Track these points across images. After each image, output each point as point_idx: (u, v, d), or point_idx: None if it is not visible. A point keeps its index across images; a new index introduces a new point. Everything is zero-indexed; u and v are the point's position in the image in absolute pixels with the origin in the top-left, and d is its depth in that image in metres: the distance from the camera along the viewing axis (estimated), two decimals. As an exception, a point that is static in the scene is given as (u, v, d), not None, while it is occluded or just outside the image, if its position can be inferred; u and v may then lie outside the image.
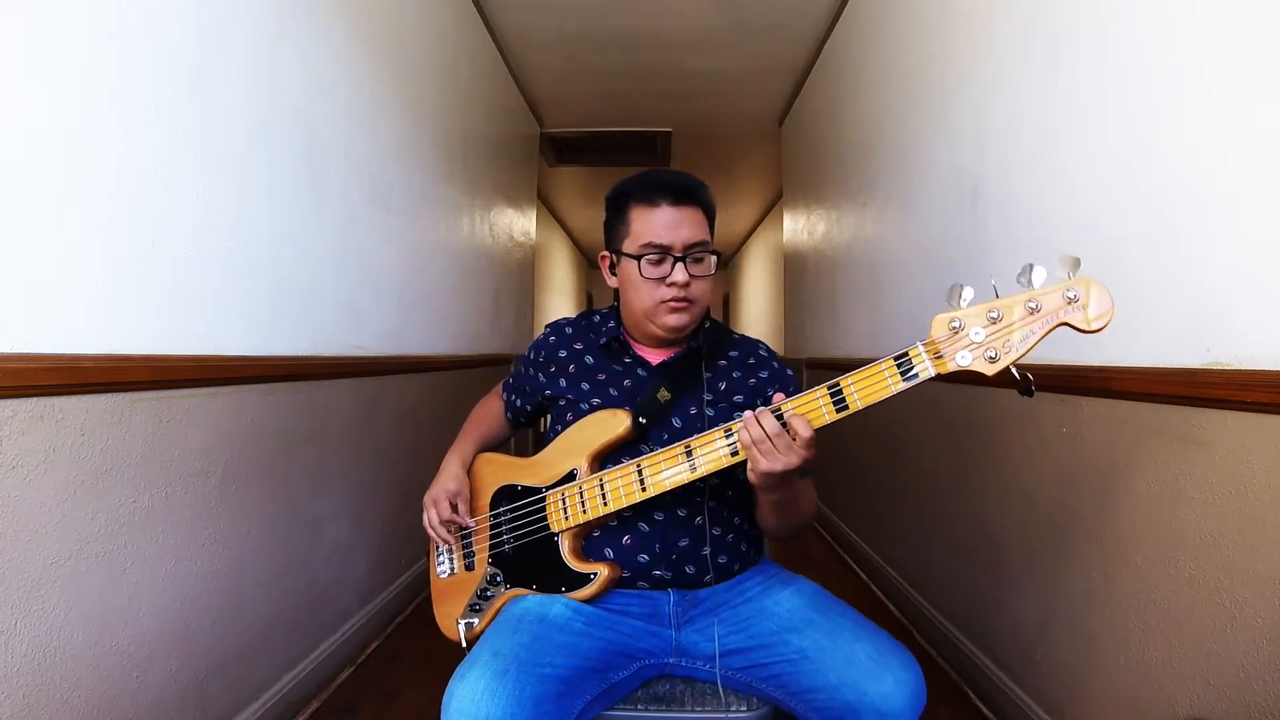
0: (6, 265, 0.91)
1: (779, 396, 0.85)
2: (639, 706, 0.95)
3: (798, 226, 4.06)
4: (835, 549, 3.00)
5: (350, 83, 1.83)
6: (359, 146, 1.89)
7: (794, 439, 0.82)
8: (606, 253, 1.06)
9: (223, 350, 1.33)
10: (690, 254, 0.98)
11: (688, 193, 0.99)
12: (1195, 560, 1.02)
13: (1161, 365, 1.08)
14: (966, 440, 1.78)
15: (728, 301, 10.09)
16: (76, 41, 1.01)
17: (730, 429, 0.87)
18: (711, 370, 1.04)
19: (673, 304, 0.99)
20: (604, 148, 4.74)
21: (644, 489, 0.92)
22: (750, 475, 0.85)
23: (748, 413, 0.84)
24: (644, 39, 3.24)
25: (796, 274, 4.12)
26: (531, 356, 1.13)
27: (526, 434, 3.85)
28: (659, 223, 0.97)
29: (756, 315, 7.54)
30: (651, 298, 0.99)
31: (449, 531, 1.07)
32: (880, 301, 2.47)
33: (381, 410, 2.04)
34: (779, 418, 0.83)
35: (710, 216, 1.03)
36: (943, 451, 1.94)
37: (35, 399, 0.94)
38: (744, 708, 0.94)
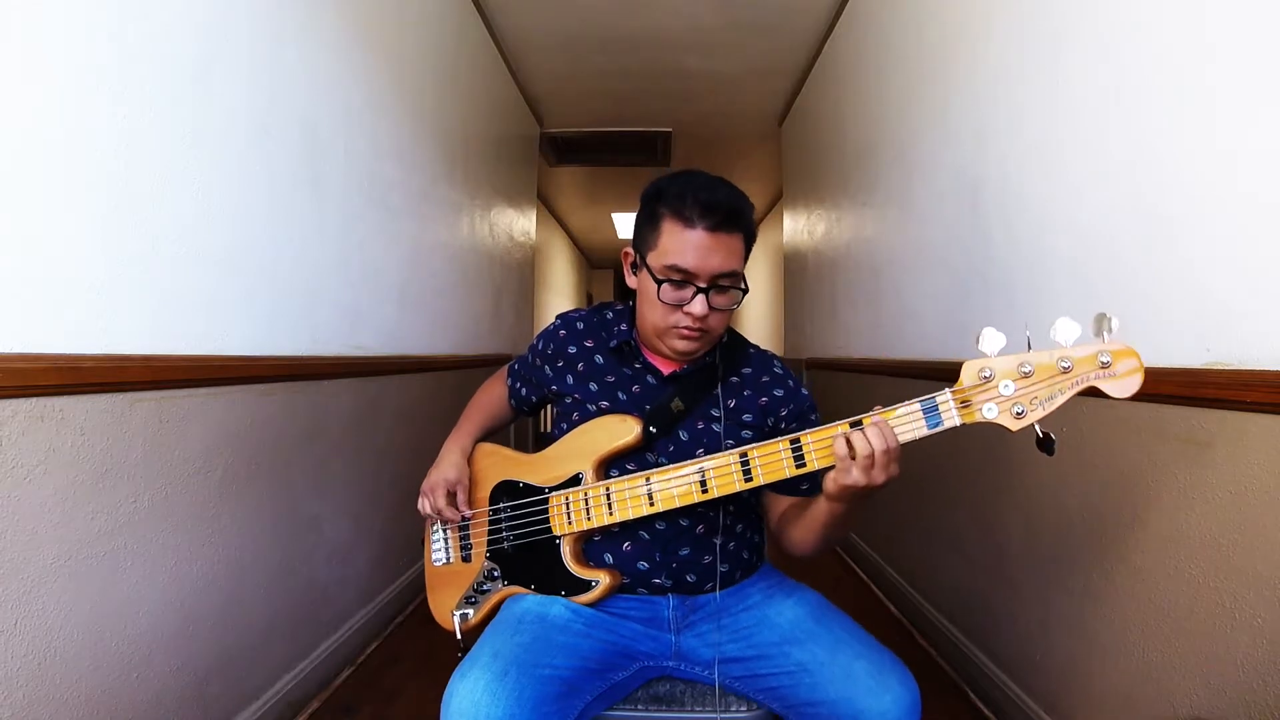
0: (7, 265, 0.91)
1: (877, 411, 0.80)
2: (639, 707, 0.95)
3: (798, 226, 4.06)
4: (836, 549, 3.00)
5: (350, 83, 1.83)
6: (359, 146, 1.89)
7: (886, 457, 0.78)
8: (630, 250, 1.00)
9: (223, 350, 1.33)
10: (716, 285, 0.92)
11: (730, 218, 0.90)
12: (1195, 560, 1.02)
13: (1161, 365, 1.08)
14: (967, 440, 1.78)
15: (728, 301, 10.04)
16: (77, 41, 1.01)
17: (745, 453, 0.86)
18: (724, 386, 1.01)
19: (684, 331, 0.94)
20: (604, 148, 4.74)
21: (651, 504, 0.91)
22: (829, 484, 0.81)
23: (870, 427, 0.78)
24: (644, 39, 3.24)
25: (796, 274, 4.11)
26: (540, 347, 1.10)
27: (526, 426, 3.86)
28: (689, 246, 0.90)
29: (756, 315, 7.54)
30: (665, 320, 0.95)
31: (444, 520, 1.06)
32: (880, 302, 2.47)
33: (381, 410, 2.04)
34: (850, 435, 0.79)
35: (749, 241, 0.96)
36: (943, 452, 1.94)
37: (35, 399, 0.94)
38: (743, 708, 0.94)
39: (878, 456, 0.77)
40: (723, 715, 0.94)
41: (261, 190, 1.45)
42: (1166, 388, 1.06)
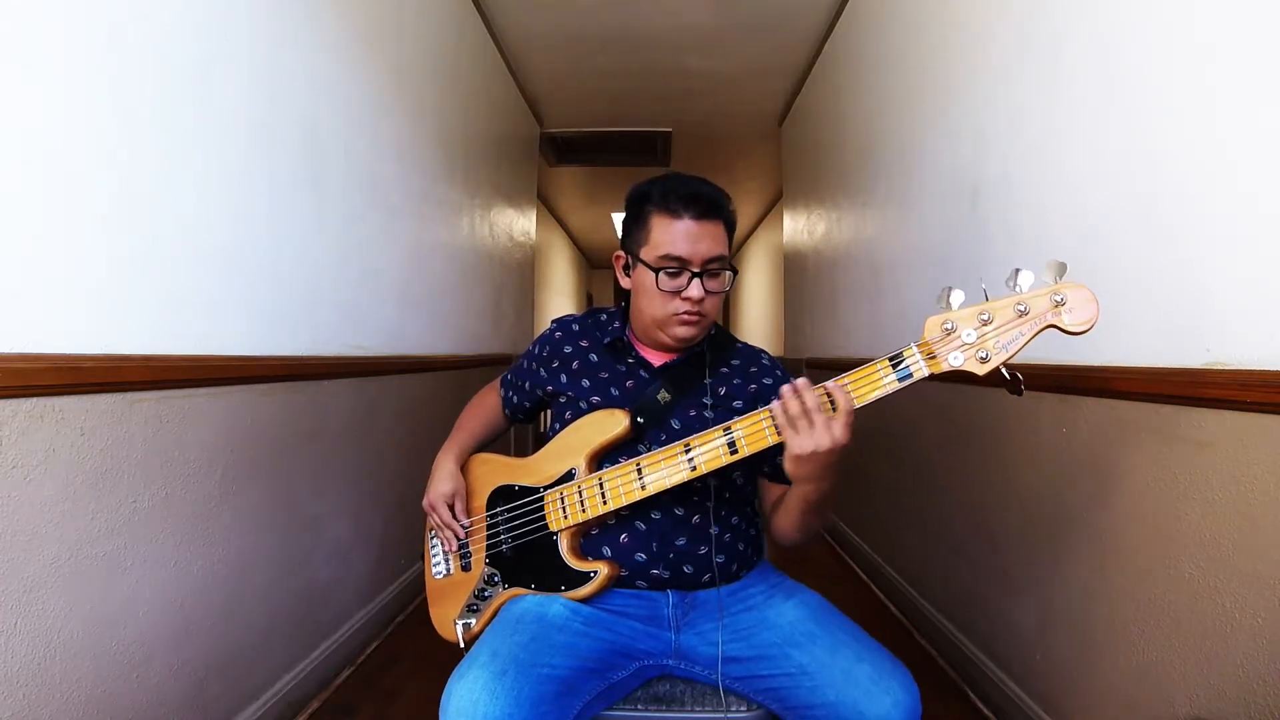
0: (6, 265, 0.91)
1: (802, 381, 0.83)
2: (639, 706, 0.95)
3: (798, 226, 4.06)
4: (835, 549, 3.00)
5: (350, 83, 1.83)
6: (359, 146, 1.89)
7: (826, 417, 0.80)
8: (622, 253, 1.05)
9: (223, 350, 1.33)
10: (707, 269, 0.97)
11: (712, 207, 0.97)
12: (1195, 560, 1.02)
13: (1161, 365, 1.08)
14: (967, 440, 1.78)
15: (728, 301, 10.07)
16: (77, 41, 1.01)
17: (730, 427, 0.88)
18: (713, 376, 1.05)
19: (684, 316, 0.99)
20: (604, 148, 4.74)
21: (643, 488, 0.92)
22: (787, 463, 0.84)
23: (785, 386, 0.82)
24: (644, 39, 3.24)
25: (796, 274, 4.12)
26: (536, 351, 1.13)
27: (526, 432, 3.86)
28: (679, 235, 0.96)
29: (756, 315, 7.54)
30: (665, 309, 0.99)
31: (433, 534, 1.07)
32: (880, 301, 2.47)
33: (381, 410, 2.04)
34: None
35: (730, 229, 1.02)
36: (943, 451, 1.94)
37: (35, 399, 0.94)
38: (743, 708, 0.94)
39: (815, 416, 0.80)
40: (723, 715, 0.94)
41: (261, 190, 1.45)
42: (1166, 388, 1.06)
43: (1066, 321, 0.77)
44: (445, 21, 2.58)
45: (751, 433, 0.87)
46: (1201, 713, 1.00)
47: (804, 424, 0.81)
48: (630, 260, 1.03)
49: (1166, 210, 1.08)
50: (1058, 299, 0.77)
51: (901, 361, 0.82)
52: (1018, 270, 0.77)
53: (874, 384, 0.82)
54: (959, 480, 1.84)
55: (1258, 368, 0.92)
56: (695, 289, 0.96)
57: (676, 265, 0.96)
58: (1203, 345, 1.01)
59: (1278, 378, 0.88)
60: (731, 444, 0.87)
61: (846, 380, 0.83)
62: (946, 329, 0.81)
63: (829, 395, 0.82)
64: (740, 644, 0.94)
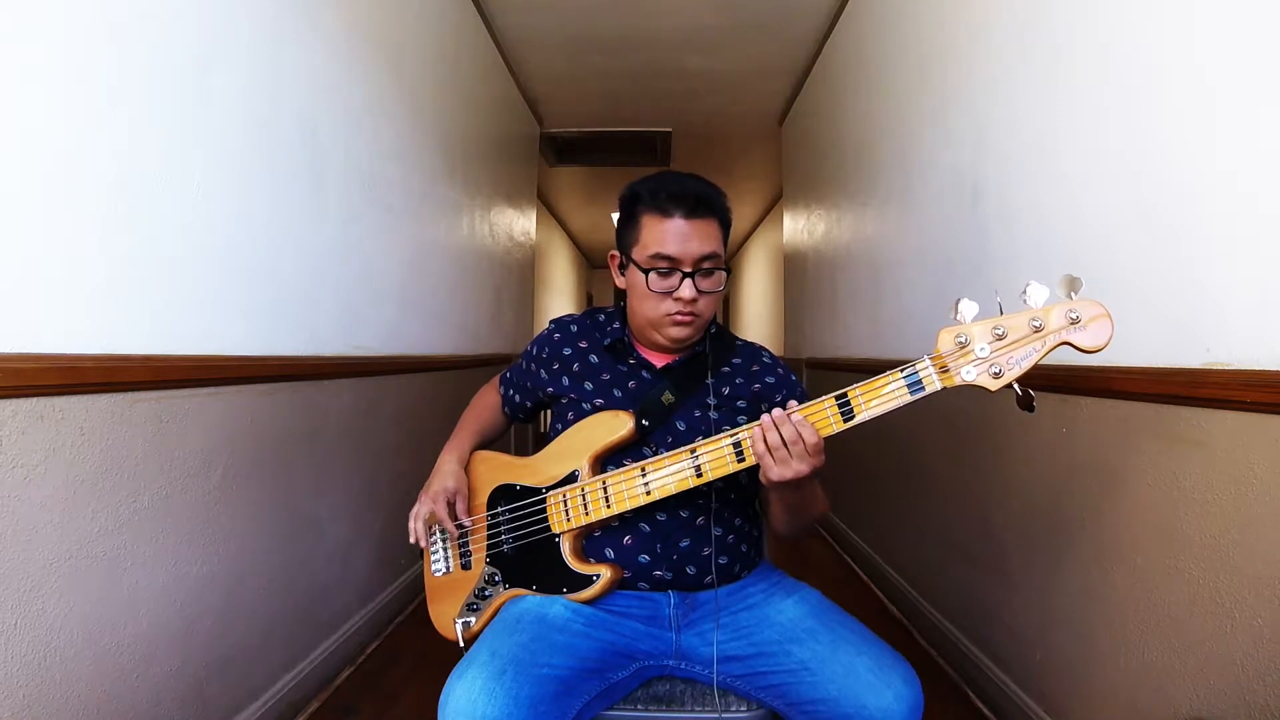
0: (6, 265, 0.91)
1: (792, 404, 0.85)
2: (638, 707, 0.95)
3: (798, 226, 4.06)
4: (836, 549, 3.00)
5: (350, 83, 1.83)
6: (359, 146, 1.89)
7: (804, 447, 0.82)
8: (616, 253, 1.06)
9: (223, 350, 1.33)
10: (699, 269, 0.96)
11: (703, 203, 0.96)
12: (1195, 560, 1.02)
13: (1161, 365, 1.08)
14: (967, 440, 1.78)
15: (727, 301, 10.07)
16: (77, 41, 1.01)
17: (736, 434, 0.87)
18: (715, 376, 1.04)
19: (677, 317, 0.98)
20: (604, 148, 4.74)
21: (648, 493, 0.92)
22: (763, 480, 0.85)
23: (765, 416, 0.83)
24: (644, 39, 3.24)
25: (796, 274, 4.12)
26: (534, 352, 1.13)
27: (526, 431, 3.86)
28: (670, 234, 0.95)
29: (756, 315, 7.54)
30: (657, 309, 0.99)
31: (433, 531, 1.06)
32: (880, 301, 2.47)
33: (381, 410, 2.04)
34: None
35: (725, 227, 1.00)
36: (943, 452, 1.94)
37: (35, 399, 0.94)
38: (743, 708, 0.94)
39: (792, 448, 0.82)
40: (723, 715, 0.94)
41: (261, 190, 1.45)
42: (1166, 387, 1.06)
43: (1080, 339, 0.76)
44: (445, 21, 2.58)
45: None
46: (1201, 713, 1.00)
47: (782, 454, 0.83)
48: (624, 260, 1.03)
49: (1166, 209, 1.08)
50: (1072, 315, 0.76)
51: (914, 375, 0.81)
52: (1030, 284, 0.77)
53: (886, 396, 0.82)
54: (959, 480, 1.84)
55: (1258, 368, 0.92)
56: (687, 289, 0.96)
57: (667, 265, 0.96)
58: (1203, 345, 1.01)
59: (1278, 378, 0.88)
60: (739, 452, 0.87)
61: (858, 390, 0.83)
62: (960, 342, 0.80)
63: (799, 430, 0.82)
64: (741, 642, 0.94)
